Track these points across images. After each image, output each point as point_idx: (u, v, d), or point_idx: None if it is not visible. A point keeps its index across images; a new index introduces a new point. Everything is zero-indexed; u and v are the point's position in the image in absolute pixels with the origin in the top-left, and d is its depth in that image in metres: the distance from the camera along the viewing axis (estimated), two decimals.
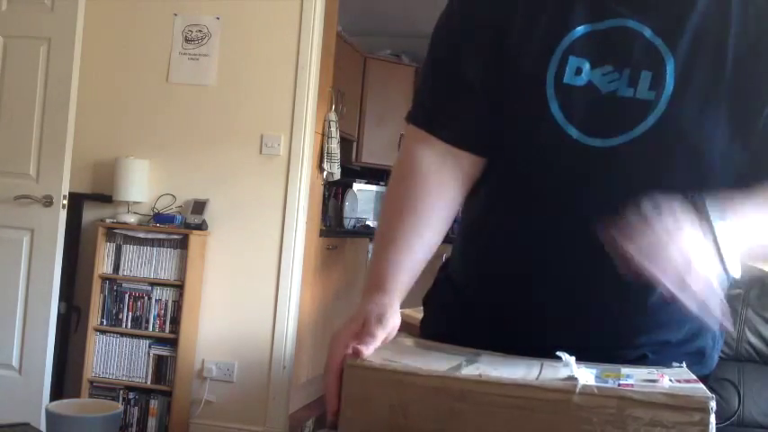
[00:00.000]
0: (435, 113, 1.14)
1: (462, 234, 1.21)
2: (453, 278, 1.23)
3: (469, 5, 1.14)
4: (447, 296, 1.22)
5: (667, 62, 1.01)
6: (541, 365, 0.92)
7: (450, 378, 0.84)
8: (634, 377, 0.86)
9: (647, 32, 1.02)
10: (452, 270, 1.24)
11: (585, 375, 0.83)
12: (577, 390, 0.80)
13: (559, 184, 1.05)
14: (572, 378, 0.82)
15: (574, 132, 1.03)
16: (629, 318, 1.08)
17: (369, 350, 0.91)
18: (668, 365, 0.96)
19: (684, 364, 0.96)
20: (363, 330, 0.95)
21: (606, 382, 0.82)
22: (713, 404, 0.79)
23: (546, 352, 0.95)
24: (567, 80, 1.03)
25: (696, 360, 1.11)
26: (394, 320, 0.99)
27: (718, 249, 1.01)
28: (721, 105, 1.01)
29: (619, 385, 0.81)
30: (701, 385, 0.85)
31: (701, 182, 1.01)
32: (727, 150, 1.03)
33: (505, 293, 1.12)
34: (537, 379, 0.84)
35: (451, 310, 1.20)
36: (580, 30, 1.04)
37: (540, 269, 1.08)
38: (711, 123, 1.01)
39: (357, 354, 0.89)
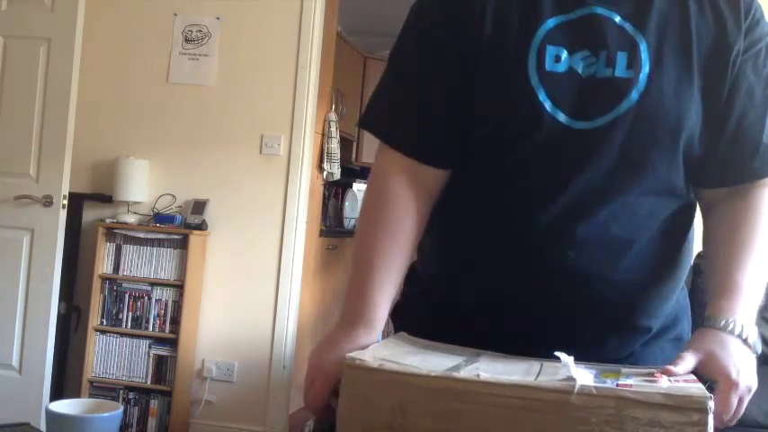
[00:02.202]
0: (397, 126, 1.15)
1: (444, 243, 1.18)
2: (435, 291, 1.18)
3: (436, 13, 1.14)
4: (425, 308, 1.18)
5: (639, 43, 1.05)
6: (541, 366, 0.92)
7: (448, 379, 0.84)
8: (633, 377, 0.86)
9: (617, 18, 1.07)
10: (431, 281, 1.20)
11: (584, 376, 0.83)
12: (575, 390, 0.80)
13: (553, 170, 1.07)
14: (570, 378, 0.82)
15: (562, 117, 1.05)
16: (616, 302, 1.08)
17: None
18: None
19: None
20: None
21: (605, 383, 0.82)
22: (711, 404, 0.79)
23: (535, 346, 1.00)
24: (548, 68, 1.05)
25: (676, 347, 1.12)
26: None
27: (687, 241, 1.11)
28: (693, 82, 1.06)
29: (617, 385, 0.81)
30: (700, 385, 0.86)
31: (679, 157, 1.06)
32: (698, 124, 1.07)
33: (502, 288, 1.10)
34: (535, 380, 0.84)
35: (432, 321, 1.15)
36: (551, 22, 1.07)
37: (539, 256, 1.08)
38: (687, 97, 1.05)
39: None
